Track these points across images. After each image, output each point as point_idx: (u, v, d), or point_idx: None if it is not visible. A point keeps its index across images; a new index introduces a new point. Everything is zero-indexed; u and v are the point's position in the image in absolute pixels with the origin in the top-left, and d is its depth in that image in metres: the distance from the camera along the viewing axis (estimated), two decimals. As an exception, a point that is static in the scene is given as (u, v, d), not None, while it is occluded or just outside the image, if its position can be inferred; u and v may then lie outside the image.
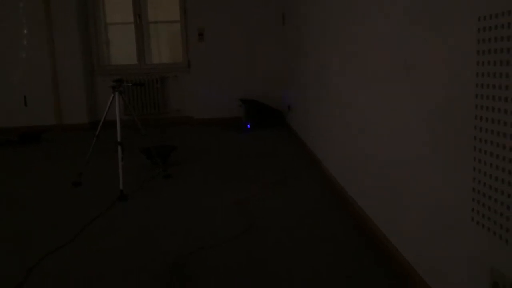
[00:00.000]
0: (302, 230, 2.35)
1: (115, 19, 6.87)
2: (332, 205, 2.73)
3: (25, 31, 6.16)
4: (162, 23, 7.06)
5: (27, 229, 2.53)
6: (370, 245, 2.09)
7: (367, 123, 2.20)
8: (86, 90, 6.36)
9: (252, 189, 3.13)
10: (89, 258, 2.11)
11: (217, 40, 6.36)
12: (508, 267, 1.04)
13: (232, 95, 6.30)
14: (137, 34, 6.57)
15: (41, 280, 1.89)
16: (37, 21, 6.10)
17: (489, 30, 1.07)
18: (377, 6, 2.01)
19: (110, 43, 6.83)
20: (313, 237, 2.26)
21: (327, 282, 1.78)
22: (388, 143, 1.89)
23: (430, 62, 1.45)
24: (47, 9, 6.10)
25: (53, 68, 6.23)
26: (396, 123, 1.79)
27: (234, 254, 2.07)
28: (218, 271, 1.91)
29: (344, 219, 2.47)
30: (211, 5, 6.28)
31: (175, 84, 6.55)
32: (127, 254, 2.13)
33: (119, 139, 3.15)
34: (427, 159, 1.49)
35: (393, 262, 1.82)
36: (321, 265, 1.93)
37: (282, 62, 6.21)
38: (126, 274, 1.92)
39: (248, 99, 6.03)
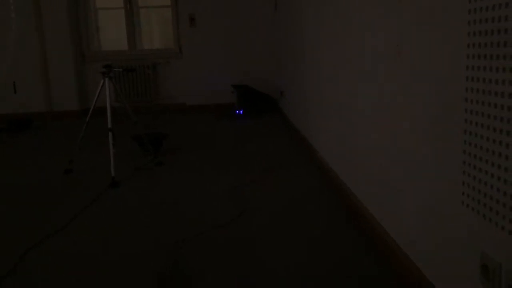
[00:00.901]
0: (294, 216, 2.35)
1: (105, 4, 6.77)
2: (324, 190, 2.74)
3: (13, 16, 6.05)
4: (153, 8, 6.97)
5: (19, 217, 2.51)
6: (360, 229, 2.10)
7: (361, 108, 2.19)
8: (76, 76, 6.29)
9: (244, 176, 3.13)
10: (81, 245, 2.10)
11: (208, 25, 6.30)
12: (498, 250, 1.05)
13: (224, 81, 6.26)
14: (127, 19, 6.49)
15: (32, 268, 1.88)
16: (25, 6, 6.00)
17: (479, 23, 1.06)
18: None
19: (100, 28, 6.74)
20: (305, 223, 2.26)
21: (317, 269, 1.79)
22: (381, 128, 1.88)
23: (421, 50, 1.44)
24: (35, -7, 5.99)
25: (43, 54, 6.15)
26: (391, 108, 1.79)
27: (227, 241, 2.07)
28: (209, 258, 1.91)
29: (336, 204, 2.47)
30: (202, -11, 6.21)
31: (167, 70, 6.49)
32: (119, 241, 2.13)
33: (110, 125, 3.13)
34: (419, 147, 1.48)
35: (384, 249, 1.83)
36: (311, 253, 1.94)
37: (275, 47, 6.17)
38: (119, 262, 1.91)
39: (241, 85, 6.00)
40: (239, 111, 5.75)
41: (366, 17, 2.06)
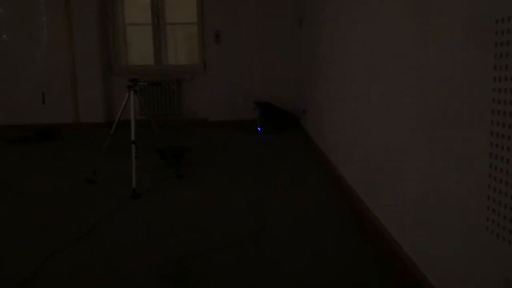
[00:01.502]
0: (311, 233, 2.33)
1: (134, 20, 6.95)
2: (343, 208, 2.70)
3: (45, 30, 6.26)
4: (180, 24, 7.12)
5: (41, 224, 2.56)
6: (380, 251, 2.06)
7: (383, 129, 2.17)
8: (103, 89, 6.43)
9: (265, 191, 3.12)
10: (99, 254, 2.12)
11: (233, 43, 6.38)
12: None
13: (247, 97, 6.30)
14: (154, 35, 6.63)
15: (51, 274, 1.91)
16: (57, 20, 6.20)
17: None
18: (394, 12, 1.99)
19: (128, 43, 6.90)
20: (322, 240, 2.24)
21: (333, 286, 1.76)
22: (405, 151, 1.86)
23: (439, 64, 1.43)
24: (67, 8, 6.19)
25: (72, 66, 6.32)
26: (413, 127, 1.77)
27: (243, 255, 2.06)
28: (224, 271, 1.90)
29: (355, 223, 2.44)
30: (228, 7, 6.31)
31: (191, 85, 6.58)
32: (137, 251, 2.14)
33: (133, 138, 3.18)
34: (445, 168, 1.46)
35: (403, 269, 1.79)
36: (327, 269, 1.91)
37: (298, 66, 6.20)
38: (135, 272, 1.93)
39: (263, 102, 6.03)
40: (260, 128, 5.76)
41: (393, 42, 2.06)
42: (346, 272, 1.90)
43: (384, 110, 2.14)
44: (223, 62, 6.41)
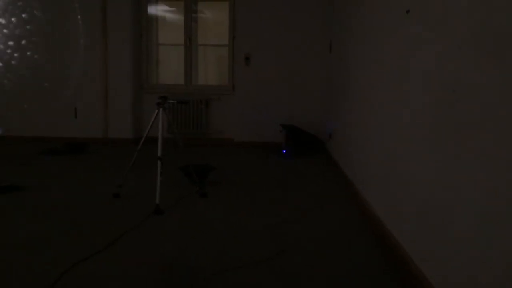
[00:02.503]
0: (332, 259, 2.27)
1: (167, 40, 7.14)
2: (366, 236, 2.64)
3: (82, 47, 6.49)
4: (211, 46, 7.27)
5: (65, 235, 2.59)
6: (404, 280, 1.99)
7: (411, 156, 2.13)
8: (133, 106, 6.58)
9: (287, 213, 3.09)
10: (120, 268, 2.13)
11: (263, 65, 6.45)
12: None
13: (273, 120, 6.32)
14: (186, 55, 6.78)
15: (71, 285, 1.92)
16: (93, 38, 6.43)
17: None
18: (425, 38, 1.97)
19: (160, 62, 7.08)
20: (342, 267, 2.18)
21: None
22: (434, 177, 1.81)
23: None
24: (104, 26, 6.42)
25: (105, 83, 6.51)
26: (444, 155, 1.72)
27: (263, 277, 2.03)
28: (245, 294, 1.87)
29: (378, 250, 2.37)
30: (259, 31, 6.41)
31: (219, 106, 6.66)
32: (157, 267, 2.14)
33: (159, 154, 3.21)
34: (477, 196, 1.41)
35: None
36: (352, 298, 1.85)
37: (326, 90, 6.20)
38: (154, 288, 1.92)
39: (289, 125, 6.03)
40: (286, 151, 5.75)
41: (423, 62, 2.03)
42: (368, 301, 1.83)
43: (413, 137, 2.10)
44: (252, 84, 6.48)
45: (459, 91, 1.56)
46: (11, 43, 6.44)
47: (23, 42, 6.44)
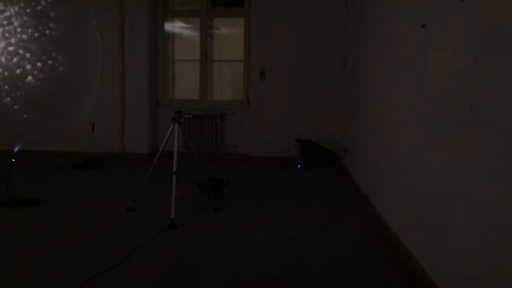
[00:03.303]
0: (348, 275, 2.25)
1: (183, 56, 7.24)
2: (382, 251, 2.61)
3: (100, 63, 6.62)
4: (226, 61, 7.35)
5: (82, 248, 2.62)
6: (423, 299, 1.95)
7: (428, 170, 2.11)
8: (149, 121, 6.66)
9: (301, 228, 3.08)
10: (136, 282, 2.14)
11: (277, 80, 6.48)
12: None
13: (288, 134, 6.32)
14: (201, 71, 6.86)
15: (88, 299, 1.93)
16: (111, 55, 6.55)
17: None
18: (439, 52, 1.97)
19: (176, 78, 7.18)
20: (356, 282, 2.15)
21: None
22: (447, 190, 1.79)
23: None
24: (121, 43, 6.55)
25: (122, 99, 6.61)
26: (460, 169, 1.71)
27: (278, 293, 2.02)
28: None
29: (394, 267, 2.34)
30: (274, 46, 6.46)
31: (234, 120, 6.69)
32: (171, 282, 2.14)
33: (174, 169, 3.24)
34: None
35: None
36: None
37: (341, 104, 6.19)
38: (168, 302, 1.92)
39: (304, 140, 6.02)
40: (301, 165, 5.73)
41: (440, 79, 2.03)
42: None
43: (428, 151, 2.08)
44: (267, 99, 6.50)
45: (476, 107, 1.55)
46: (32, 60, 6.61)
47: (43, 58, 6.60)
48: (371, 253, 2.62)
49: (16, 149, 4.57)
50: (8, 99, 6.59)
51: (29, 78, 6.60)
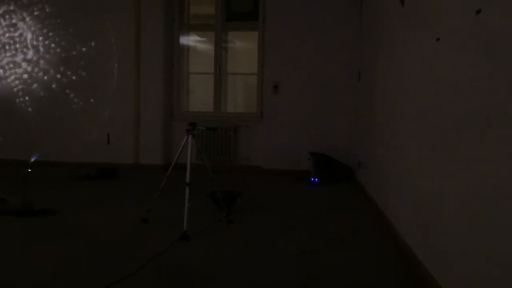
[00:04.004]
0: (364, 291, 2.21)
1: (197, 69, 7.32)
2: (398, 268, 2.56)
3: (115, 76, 6.71)
4: (240, 74, 7.40)
5: (95, 258, 2.63)
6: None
7: (442, 188, 2.08)
8: (163, 134, 6.71)
9: (314, 242, 3.04)
10: (147, 293, 2.13)
11: (291, 93, 6.49)
12: None
13: (302, 147, 6.30)
14: (215, 83, 6.91)
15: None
16: (127, 67, 6.65)
17: None
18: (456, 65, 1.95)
19: (190, 91, 7.24)
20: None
21: None
22: (460, 207, 1.76)
23: None
24: (137, 57, 6.65)
25: (137, 111, 6.69)
26: (478, 182, 1.68)
27: (290, 307, 1.99)
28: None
29: (408, 281, 2.29)
30: (288, 60, 6.48)
31: (247, 133, 6.71)
32: (183, 293, 2.13)
33: (187, 180, 3.25)
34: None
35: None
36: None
37: (355, 117, 6.16)
38: (180, 314, 1.91)
39: (317, 153, 6.00)
40: (314, 179, 5.71)
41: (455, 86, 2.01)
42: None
43: (445, 168, 2.06)
44: (280, 111, 6.51)
45: (493, 122, 1.53)
46: (50, 72, 6.74)
47: (60, 70, 6.73)
48: (387, 269, 2.58)
49: (32, 160, 4.63)
50: (26, 110, 6.73)
51: (46, 90, 6.73)
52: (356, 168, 5.75)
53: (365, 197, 4.59)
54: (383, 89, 3.94)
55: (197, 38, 7.41)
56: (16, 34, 6.51)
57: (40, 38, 6.63)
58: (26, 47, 6.45)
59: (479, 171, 1.64)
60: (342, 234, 3.26)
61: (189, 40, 7.24)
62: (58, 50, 6.64)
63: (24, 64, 6.51)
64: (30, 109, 6.69)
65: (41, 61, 6.68)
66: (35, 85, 6.56)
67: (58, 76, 6.68)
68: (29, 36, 6.46)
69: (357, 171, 5.70)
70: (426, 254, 2.30)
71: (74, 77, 6.68)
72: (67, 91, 6.66)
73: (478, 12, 1.67)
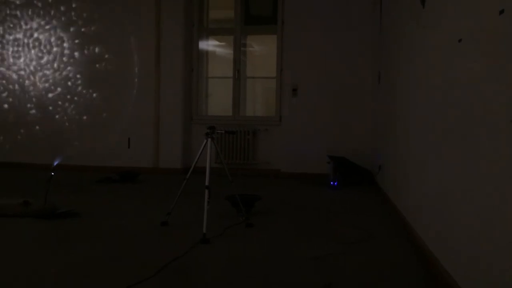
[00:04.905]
0: (384, 296, 2.18)
1: (216, 73, 7.37)
2: (418, 273, 2.52)
3: (136, 80, 6.80)
4: (259, 78, 7.42)
5: (115, 260, 2.67)
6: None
7: (466, 189, 2.04)
8: (182, 138, 6.77)
9: (334, 246, 3.01)
10: (166, 295, 2.14)
11: (310, 96, 6.47)
12: None
13: (321, 151, 6.27)
14: (234, 87, 6.94)
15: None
16: (147, 72, 6.74)
17: None
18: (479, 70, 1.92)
19: (209, 95, 7.29)
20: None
21: None
22: (486, 216, 1.72)
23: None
24: (157, 62, 6.73)
25: (156, 115, 6.76)
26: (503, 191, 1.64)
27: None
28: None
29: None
30: (306, 63, 6.47)
31: (266, 136, 6.71)
32: (202, 296, 2.14)
33: (207, 183, 3.26)
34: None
35: None
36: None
37: (375, 120, 6.10)
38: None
39: (337, 156, 5.95)
40: (333, 182, 5.66)
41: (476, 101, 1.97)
42: None
43: (467, 171, 2.02)
44: (299, 115, 6.50)
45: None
46: (77, 77, 6.89)
47: (83, 74, 6.87)
48: (407, 274, 2.54)
49: (55, 163, 4.72)
50: (56, 116, 6.90)
51: (70, 94, 6.88)
52: (376, 172, 5.68)
53: (385, 201, 4.53)
54: (404, 91, 3.89)
55: (216, 42, 7.46)
56: (42, 37, 6.74)
57: (70, 48, 6.82)
58: (50, 52, 6.65)
59: (504, 175, 1.60)
60: (362, 239, 3.22)
61: (208, 44, 7.29)
62: (81, 55, 6.81)
63: (47, 68, 6.73)
64: (57, 116, 6.88)
65: (64, 66, 6.86)
66: (58, 89, 6.74)
67: (82, 84, 6.84)
68: (56, 42, 6.67)
69: (377, 174, 5.64)
70: (449, 260, 2.25)
71: (97, 84, 6.82)
72: (90, 98, 6.81)
73: (501, 12, 1.64)
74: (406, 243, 3.10)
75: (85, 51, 6.84)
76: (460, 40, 2.18)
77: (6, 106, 6.70)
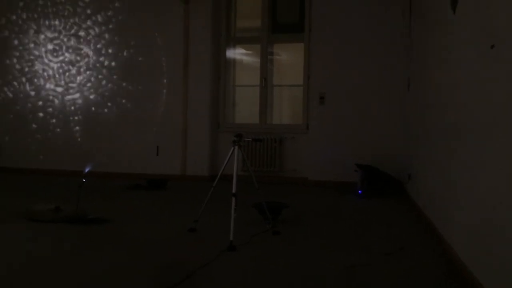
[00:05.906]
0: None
1: (243, 82, 7.41)
2: (451, 286, 2.44)
3: (165, 89, 6.92)
4: (286, 86, 7.41)
5: (144, 266, 2.70)
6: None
7: (501, 202, 1.97)
8: (210, 146, 6.81)
9: (362, 257, 2.96)
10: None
11: (337, 104, 6.41)
12: None
13: (348, 159, 6.18)
14: (261, 95, 6.96)
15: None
16: (175, 81, 6.84)
17: None
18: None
19: (236, 103, 7.33)
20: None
21: None
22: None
23: None
24: (185, 71, 6.82)
25: (184, 123, 6.84)
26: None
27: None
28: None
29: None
30: (334, 70, 6.43)
31: (293, 144, 6.68)
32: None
33: (234, 190, 3.27)
34: None
35: None
36: None
37: (404, 128, 5.99)
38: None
39: (365, 165, 5.86)
40: (361, 191, 5.58)
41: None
42: None
43: (503, 180, 1.95)
44: (326, 123, 6.45)
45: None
46: (103, 84, 7.07)
47: (115, 87, 7.05)
48: (437, 286, 2.46)
49: (86, 170, 4.83)
50: (84, 124, 7.12)
51: (100, 103, 7.06)
52: (406, 181, 5.57)
53: (415, 211, 4.43)
54: (435, 98, 3.82)
55: (243, 51, 7.51)
56: (71, 43, 7.03)
57: (98, 56, 7.06)
58: (88, 66, 6.94)
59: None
60: (391, 250, 3.14)
61: (235, 53, 7.35)
62: (111, 63, 7.01)
63: (76, 74, 7.01)
64: (85, 123, 7.09)
65: (95, 73, 7.08)
66: (103, 99, 7.01)
67: (111, 91, 7.02)
68: (89, 51, 6.93)
69: (407, 183, 5.53)
70: (483, 273, 2.18)
71: (127, 93, 6.98)
72: (120, 107, 6.99)
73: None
74: (436, 254, 3.01)
75: (114, 59, 7.03)
76: (492, 46, 2.13)
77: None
